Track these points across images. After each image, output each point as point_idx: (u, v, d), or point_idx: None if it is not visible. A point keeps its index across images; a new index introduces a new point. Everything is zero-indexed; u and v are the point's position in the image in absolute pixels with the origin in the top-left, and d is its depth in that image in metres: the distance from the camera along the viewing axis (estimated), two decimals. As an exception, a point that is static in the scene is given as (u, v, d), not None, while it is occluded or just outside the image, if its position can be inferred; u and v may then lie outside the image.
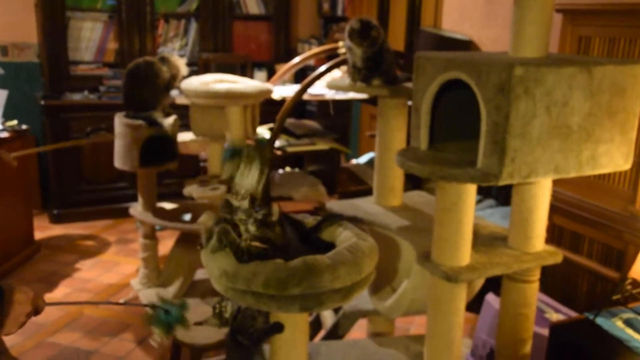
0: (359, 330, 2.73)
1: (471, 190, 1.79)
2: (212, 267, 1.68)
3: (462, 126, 2.01)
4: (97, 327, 3.02)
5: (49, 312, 3.17)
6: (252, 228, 1.59)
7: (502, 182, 1.63)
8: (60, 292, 3.46)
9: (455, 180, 1.66)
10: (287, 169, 4.22)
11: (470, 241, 1.84)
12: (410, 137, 1.95)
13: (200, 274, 3.42)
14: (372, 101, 3.40)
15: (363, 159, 4.03)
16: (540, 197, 1.90)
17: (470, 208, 1.81)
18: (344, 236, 1.82)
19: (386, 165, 2.38)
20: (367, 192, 3.66)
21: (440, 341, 1.88)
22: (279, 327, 1.74)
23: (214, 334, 2.26)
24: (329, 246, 1.84)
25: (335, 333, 2.39)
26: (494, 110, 1.60)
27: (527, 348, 2.00)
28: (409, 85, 2.24)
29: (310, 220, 1.93)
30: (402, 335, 2.15)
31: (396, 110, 2.31)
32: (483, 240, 1.98)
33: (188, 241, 3.26)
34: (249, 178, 1.73)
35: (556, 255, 1.92)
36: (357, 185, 3.67)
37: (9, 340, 2.81)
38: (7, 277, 3.60)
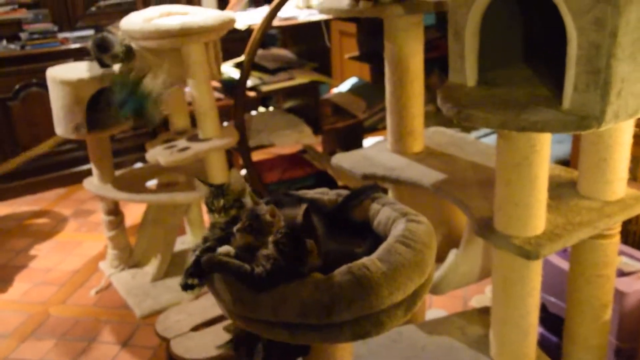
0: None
1: (547, 137, 1.35)
2: (222, 291, 1.22)
3: (509, 46, 1.55)
4: (70, 331, 2.54)
5: (5, 318, 2.69)
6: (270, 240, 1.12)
7: (605, 126, 1.19)
8: (17, 291, 2.92)
9: (541, 130, 1.20)
10: (260, 109, 3.67)
11: (545, 202, 1.42)
12: (447, 68, 1.48)
13: (180, 243, 2.94)
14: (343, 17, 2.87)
15: (344, 86, 3.51)
16: (625, 129, 1.47)
17: (545, 160, 1.37)
18: (384, 215, 1.37)
19: (402, 102, 1.91)
20: (358, 126, 3.23)
21: (513, 328, 1.50)
22: (304, 350, 1.31)
23: (211, 348, 1.82)
24: (362, 225, 1.40)
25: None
26: (591, 27, 1.13)
27: (608, 313, 1.64)
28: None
29: (331, 197, 1.46)
30: (452, 315, 1.76)
31: (411, 32, 1.82)
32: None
33: (158, 211, 2.77)
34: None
35: (648, 202, 1.53)
36: (344, 119, 3.18)
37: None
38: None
